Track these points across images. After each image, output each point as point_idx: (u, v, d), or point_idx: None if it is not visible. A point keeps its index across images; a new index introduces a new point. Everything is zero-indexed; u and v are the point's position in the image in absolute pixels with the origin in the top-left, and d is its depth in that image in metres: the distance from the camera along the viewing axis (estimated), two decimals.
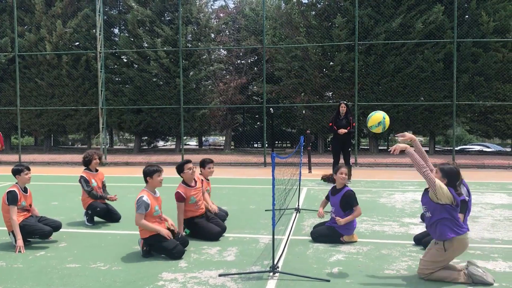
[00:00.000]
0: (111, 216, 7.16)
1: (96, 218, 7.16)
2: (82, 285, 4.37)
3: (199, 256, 5.32)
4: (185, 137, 33.67)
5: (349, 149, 11.43)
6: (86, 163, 7.21)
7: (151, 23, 20.68)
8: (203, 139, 41.02)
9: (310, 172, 13.99)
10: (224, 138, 27.04)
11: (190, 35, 21.08)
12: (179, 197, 5.98)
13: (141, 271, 4.78)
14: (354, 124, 11.55)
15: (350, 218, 5.81)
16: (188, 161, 6.23)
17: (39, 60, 21.67)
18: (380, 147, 23.89)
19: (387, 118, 5.84)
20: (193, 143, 37.67)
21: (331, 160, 12.66)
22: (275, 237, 6.10)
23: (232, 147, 26.19)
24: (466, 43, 17.93)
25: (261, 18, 18.04)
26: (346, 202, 5.87)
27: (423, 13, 18.26)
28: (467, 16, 19.03)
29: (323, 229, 5.96)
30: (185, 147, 28.70)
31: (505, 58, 17.96)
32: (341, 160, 11.37)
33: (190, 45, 20.96)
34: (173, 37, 19.98)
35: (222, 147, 25.79)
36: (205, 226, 6.10)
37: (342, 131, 10.99)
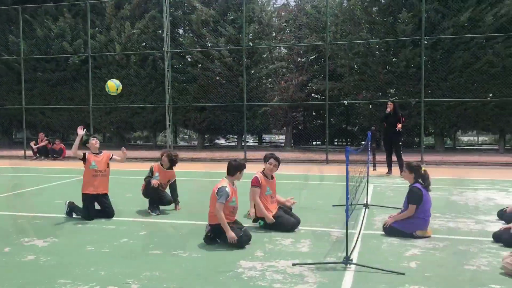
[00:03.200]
0: (162, 201, 7.55)
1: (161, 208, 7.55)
2: (166, 270, 4.62)
3: (273, 246, 5.46)
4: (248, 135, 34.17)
5: (399, 143, 12.08)
6: (160, 159, 7.64)
7: (215, 23, 21.16)
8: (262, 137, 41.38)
9: (374, 169, 13.80)
10: (281, 136, 27.17)
11: (252, 34, 21.38)
12: (255, 181, 6.24)
13: (220, 259, 4.99)
14: (404, 120, 12.25)
15: (399, 217, 5.84)
16: (273, 156, 6.54)
17: (109, 61, 22.75)
18: (446, 146, 23.11)
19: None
20: (250, 141, 38.09)
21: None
22: (348, 231, 6.20)
23: (292, 144, 26.28)
24: None
25: (322, 15, 17.96)
26: (407, 197, 5.88)
27: (493, 6, 17.48)
28: None
29: (394, 225, 5.91)
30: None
31: None
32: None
33: (252, 44, 21.26)
34: (236, 36, 20.34)
35: (282, 145, 25.91)
36: (282, 217, 6.26)
37: (400, 126, 11.77)
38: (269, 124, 23.95)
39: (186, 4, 23.13)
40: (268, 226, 6.25)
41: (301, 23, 24.24)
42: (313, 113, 27.66)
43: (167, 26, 18.11)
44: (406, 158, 16.15)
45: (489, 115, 18.57)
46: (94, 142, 7.19)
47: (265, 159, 6.57)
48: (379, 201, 8.35)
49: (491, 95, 18.40)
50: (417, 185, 5.85)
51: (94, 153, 7.18)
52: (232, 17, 21.93)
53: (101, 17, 23.31)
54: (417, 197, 5.76)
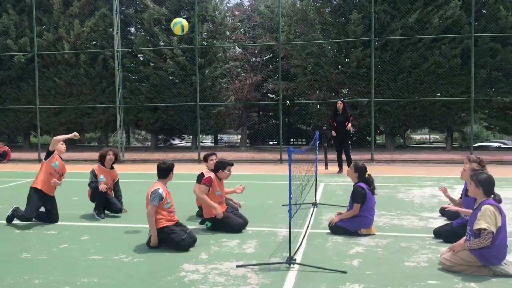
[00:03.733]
0: (111, 207, 7.30)
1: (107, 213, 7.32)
2: (106, 276, 4.46)
3: (219, 248, 5.38)
4: (200, 135, 33.89)
5: (349, 142, 12.48)
6: (101, 159, 7.39)
7: (167, 22, 20.83)
8: (219, 137, 41.20)
9: (326, 168, 13.99)
10: (238, 136, 27.12)
11: (206, 33, 21.19)
12: (209, 181, 6.12)
13: (163, 263, 4.87)
14: (352, 119, 12.64)
15: (344, 216, 5.92)
16: (231, 164, 6.51)
17: (57, 60, 21.99)
18: (396, 144, 23.73)
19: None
20: (207, 141, 37.82)
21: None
22: (294, 230, 6.20)
23: (247, 144, 26.26)
24: (484, 38, 17.71)
25: (276, 16, 18.02)
26: (352, 197, 5.96)
27: (440, 8, 18.07)
28: (484, 11, 18.80)
29: (339, 224, 5.97)
30: (201, 144, 28.87)
31: None
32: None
33: (205, 43, 21.08)
34: (189, 35, 20.10)
35: (237, 145, 25.86)
36: (229, 218, 6.18)
37: (334, 133, 12.32)
38: (224, 124, 23.82)
39: (137, 2, 22.68)
40: (215, 228, 6.17)
41: (255, 23, 24.28)
42: (271, 113, 27.77)
43: (117, 24, 17.66)
44: (358, 156, 16.52)
45: (436, 114, 19.19)
46: (63, 147, 6.94)
47: (222, 166, 6.42)
48: (328, 200, 8.44)
49: (439, 94, 19.05)
50: (361, 184, 5.92)
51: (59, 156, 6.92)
52: (185, 16, 21.67)
53: (48, 14, 22.48)
54: (360, 196, 5.83)
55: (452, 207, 5.98)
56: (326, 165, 14.18)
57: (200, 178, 6.63)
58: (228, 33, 22.85)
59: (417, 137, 48.00)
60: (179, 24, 8.41)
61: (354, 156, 15.94)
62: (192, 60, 19.58)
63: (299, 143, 29.68)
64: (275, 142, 27.66)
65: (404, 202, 8.19)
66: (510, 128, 20.01)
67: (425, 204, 7.97)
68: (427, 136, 46.15)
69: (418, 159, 16.35)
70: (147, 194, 5.46)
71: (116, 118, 17.69)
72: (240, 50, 24.58)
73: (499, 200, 4.30)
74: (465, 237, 4.50)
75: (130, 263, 4.88)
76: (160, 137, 26.20)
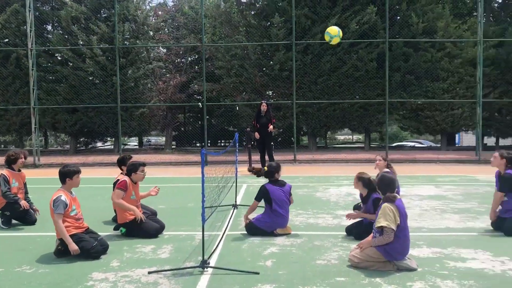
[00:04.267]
0: (26, 219, 6.85)
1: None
2: None
3: (132, 254, 5.23)
4: (125, 137, 32.83)
5: (271, 143, 12.82)
6: (11, 162, 6.89)
7: (86, 20, 20.00)
8: (145, 139, 40.16)
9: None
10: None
11: (128, 33, 20.59)
12: (124, 185, 5.93)
13: (70, 272, 4.64)
14: (274, 120, 12.94)
15: (248, 212, 6.13)
16: (143, 164, 6.31)
17: None
18: (318, 145, 24.45)
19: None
20: (134, 143, 36.81)
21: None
22: (212, 233, 6.18)
23: (173, 146, 25.85)
24: (397, 43, 18.72)
25: (200, 17, 17.91)
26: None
27: (357, 14, 18.85)
28: (398, 17, 19.87)
29: (253, 224, 6.04)
30: (125, 147, 28.03)
31: (433, 58, 18.91)
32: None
33: (127, 43, 20.48)
34: (110, 35, 19.42)
35: (163, 147, 25.36)
36: (145, 223, 6.02)
37: (258, 135, 12.48)
38: (148, 126, 23.27)
39: None
40: (130, 234, 6.00)
41: (179, 23, 23.97)
42: (198, 115, 27.50)
43: (31, 22, 16.67)
44: (281, 157, 16.82)
45: (355, 116, 19.99)
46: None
47: (134, 168, 6.22)
48: (249, 201, 8.40)
49: (357, 97, 19.86)
50: (267, 184, 6.04)
51: None
52: (105, 15, 20.92)
53: None
54: (261, 194, 5.96)
55: (356, 214, 5.96)
56: (250, 166, 14.27)
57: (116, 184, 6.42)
58: (151, 33, 22.35)
59: (341, 137, 49.90)
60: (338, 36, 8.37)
61: (278, 157, 16.26)
62: (113, 60, 18.92)
63: (227, 144, 29.73)
64: (202, 144, 27.49)
65: (321, 201, 8.43)
66: (422, 128, 21.31)
67: (340, 203, 8.25)
68: (350, 136, 48.07)
69: (338, 158, 16.95)
70: (50, 202, 5.19)
71: (31, 120, 16.71)
72: (164, 50, 24.15)
73: (392, 197, 4.54)
74: (372, 235, 4.71)
75: (34, 274, 4.60)
76: (82, 139, 25.09)
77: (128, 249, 5.46)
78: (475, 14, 19.87)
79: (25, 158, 7.02)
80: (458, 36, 18.70)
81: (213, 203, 6.34)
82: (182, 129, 27.93)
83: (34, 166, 16.51)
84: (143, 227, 5.98)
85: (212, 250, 5.24)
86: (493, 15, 22.52)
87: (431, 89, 19.11)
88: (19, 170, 7.01)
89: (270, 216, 5.91)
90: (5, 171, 6.84)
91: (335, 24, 18.35)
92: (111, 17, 19.58)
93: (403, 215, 4.53)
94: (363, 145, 23.16)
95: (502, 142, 24.00)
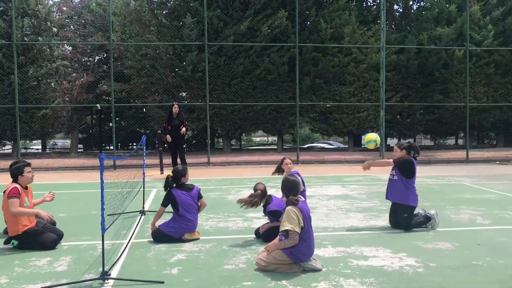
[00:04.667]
0: None
1: None
2: None
3: (24, 269, 4.78)
4: (27, 141, 30.54)
5: (183, 146, 12.53)
6: None
7: None
8: (51, 142, 37.68)
9: (162, 173, 13.70)
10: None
11: (28, 29, 19.17)
12: (15, 192, 5.44)
13: None
14: (186, 123, 12.79)
15: (155, 218, 5.99)
16: (27, 164, 5.80)
17: None
18: (233, 147, 24.51)
19: (378, 139, 6.83)
20: (37, 146, 34.39)
21: (187, 160, 13.06)
22: (116, 242, 5.86)
23: (80, 150, 24.52)
24: (307, 48, 19.26)
25: (108, 14, 17.10)
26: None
27: (269, 18, 19.12)
28: (308, 23, 20.48)
29: (160, 230, 5.84)
30: (27, 151, 26.14)
31: (340, 63, 19.72)
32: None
33: (27, 39, 19.06)
34: (7, 30, 17.94)
35: (68, 151, 23.94)
36: (38, 234, 5.54)
37: (169, 138, 12.22)
38: (52, 128, 21.84)
39: None
40: (23, 246, 5.49)
41: (86, 20, 22.80)
42: (110, 116, 26.27)
43: None
44: (195, 160, 16.61)
45: (268, 118, 20.25)
46: None
47: (18, 171, 5.69)
48: (158, 207, 8.17)
49: (270, 99, 20.12)
50: (173, 189, 5.88)
51: None
52: (1, 8, 19.31)
53: None
54: (167, 200, 5.80)
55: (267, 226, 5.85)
56: (161, 169, 13.90)
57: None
58: (55, 30, 20.97)
59: (257, 138, 50.57)
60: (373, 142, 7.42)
61: (191, 160, 16.03)
62: (10, 57, 17.48)
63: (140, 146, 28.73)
64: (112, 147, 26.36)
65: (232, 204, 8.34)
66: (330, 130, 22.17)
67: None
68: (266, 138, 48.83)
69: (251, 160, 17.06)
70: None
71: None
72: (70, 48, 22.81)
73: (295, 201, 4.58)
74: (278, 237, 4.70)
75: None
76: None
77: (20, 263, 4.99)
78: (378, 21, 21.02)
79: None
80: (363, 42, 19.67)
81: (116, 210, 6.01)
82: (91, 131, 26.58)
83: None
84: (38, 238, 5.51)
85: (115, 260, 4.94)
86: (394, 23, 24.00)
87: (338, 93, 19.90)
88: None
89: (177, 221, 5.72)
90: None
91: (248, 27, 18.53)
92: (8, 11, 18.12)
93: (306, 218, 4.57)
94: (276, 147, 23.58)
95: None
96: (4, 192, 5.82)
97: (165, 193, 5.94)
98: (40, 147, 29.36)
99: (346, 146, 24.27)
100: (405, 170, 6.13)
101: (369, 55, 19.68)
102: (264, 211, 5.81)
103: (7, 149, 26.03)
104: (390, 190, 6.37)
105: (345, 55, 19.83)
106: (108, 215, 6.84)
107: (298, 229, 4.43)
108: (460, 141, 28.00)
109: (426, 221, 6.19)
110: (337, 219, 7.02)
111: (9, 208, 5.44)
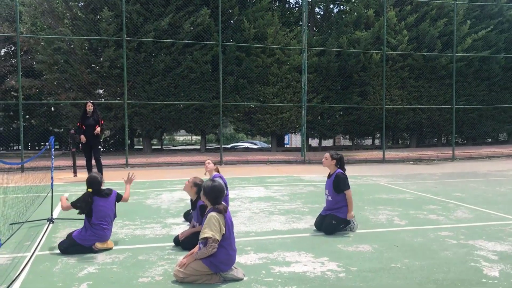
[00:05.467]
0: None
1: None
2: None
3: None
4: None
5: (99, 147, 11.83)
6: None
7: None
8: None
9: (75, 175, 12.86)
10: None
11: None
12: None
13: None
14: (102, 122, 12.00)
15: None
16: None
17: None
18: (154, 147, 23.74)
19: None
20: None
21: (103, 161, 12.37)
22: (17, 255, 5.25)
23: None
24: (231, 47, 19.06)
25: (15, 3, 15.75)
26: None
27: (191, 15, 18.68)
28: (232, 21, 20.28)
29: (71, 240, 5.35)
30: None
31: (264, 63, 19.75)
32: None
33: None
34: None
35: None
36: None
37: (83, 138, 11.44)
38: None
39: None
40: None
41: None
42: (11, 113, 24.34)
43: None
44: (112, 161, 15.82)
45: (191, 118, 19.79)
46: None
47: None
48: (69, 213, 7.54)
49: (193, 99, 19.69)
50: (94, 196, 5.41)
51: None
52: None
53: None
54: (82, 203, 5.34)
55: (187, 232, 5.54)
56: (74, 172, 13.03)
57: None
58: None
59: (180, 138, 49.59)
60: None
61: (108, 162, 15.23)
62: None
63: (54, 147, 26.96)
64: (19, 147, 24.47)
65: (151, 209, 7.94)
66: (254, 130, 22.17)
67: (171, 209, 7.87)
68: (190, 137, 48.02)
69: (173, 162, 16.57)
70: None
71: None
72: None
73: (223, 209, 4.33)
74: (197, 246, 4.42)
75: None
76: None
77: None
78: (300, 23, 21.31)
79: None
80: (286, 44, 19.84)
81: (20, 218, 5.40)
82: None
83: None
84: None
85: (14, 277, 4.39)
86: (316, 26, 24.51)
87: (262, 93, 19.92)
88: None
89: (89, 229, 5.25)
90: None
91: (169, 24, 17.96)
92: None
93: (229, 225, 4.33)
94: (200, 147, 23.18)
95: (324, 143, 26.34)
96: None
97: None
98: None
99: (270, 146, 24.43)
100: (339, 185, 6.12)
101: (291, 56, 19.88)
102: (193, 206, 5.49)
103: None
104: (324, 210, 6.37)
105: (268, 56, 19.89)
106: (10, 224, 6.22)
107: (218, 237, 4.18)
108: (377, 141, 29.27)
109: (345, 225, 6.21)
110: (260, 222, 6.86)
111: None
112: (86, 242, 5.24)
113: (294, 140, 36.12)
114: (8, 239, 4.83)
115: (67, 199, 5.63)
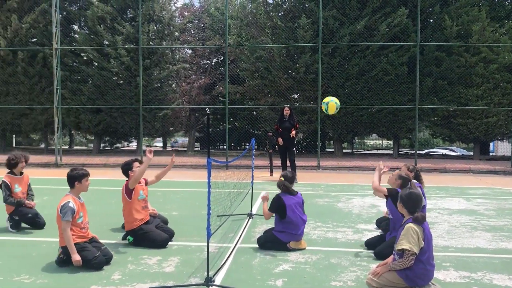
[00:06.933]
0: (36, 222, 6.63)
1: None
2: None
3: (136, 267, 4.89)
4: (150, 138, 32.83)
5: (293, 149, 12.32)
6: (11, 166, 6.65)
7: (112, 20, 19.97)
8: (173, 140, 40.23)
9: (271, 175, 13.69)
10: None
11: (153, 33, 20.49)
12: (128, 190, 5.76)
13: (69, 284, 4.35)
14: (297, 126, 12.47)
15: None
16: (136, 160, 6.14)
17: None
18: (344, 150, 23.83)
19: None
20: (160, 144, 36.85)
21: (296, 163, 12.89)
22: (222, 245, 5.80)
23: (197, 148, 25.65)
24: (429, 47, 17.96)
25: (225, 18, 17.60)
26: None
27: (387, 16, 18.19)
28: (431, 20, 19.08)
29: (267, 235, 5.68)
30: (150, 148, 27.96)
31: (467, 63, 18.06)
32: None
33: (152, 43, 20.36)
34: (135, 35, 19.34)
35: (185, 149, 25.20)
36: (152, 232, 5.71)
37: (280, 141, 11.95)
38: (173, 127, 23.12)
39: None
40: (137, 243, 5.70)
41: (205, 24, 23.76)
42: (219, 116, 27.25)
43: (56, 21, 16.73)
44: (305, 163, 16.37)
45: (383, 121, 19.28)
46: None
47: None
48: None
49: (387, 102, 19.16)
50: (282, 194, 5.63)
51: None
52: (131, 15, 20.86)
53: None
54: (275, 205, 5.56)
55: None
56: (271, 171, 13.88)
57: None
58: (177, 34, 22.20)
59: (370, 142, 48.86)
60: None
61: (301, 163, 15.82)
62: (137, 60, 18.79)
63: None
64: (225, 146, 27.21)
65: (342, 213, 7.94)
66: (454, 136, 20.40)
67: (363, 215, 7.74)
68: (380, 141, 46.93)
69: (364, 166, 16.35)
70: (57, 208, 4.92)
71: (54, 120, 16.75)
72: (190, 52, 23.99)
73: (422, 219, 4.05)
74: (392, 257, 4.24)
75: (32, 285, 4.33)
76: (107, 139, 25.16)
77: (133, 260, 5.13)
78: None
79: (26, 161, 6.79)
80: (494, 40, 17.79)
81: (225, 211, 5.97)
82: (206, 131, 27.73)
83: (56, 165, 16.53)
84: (150, 237, 5.66)
85: (220, 265, 4.86)
86: None
87: (464, 96, 18.25)
88: (21, 174, 6.78)
89: (281, 227, 5.51)
90: (6, 177, 6.62)
91: (365, 27, 17.82)
92: (136, 17, 19.51)
93: (428, 238, 4.04)
94: (392, 152, 22.42)
95: None
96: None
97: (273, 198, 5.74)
98: (161, 144, 31.36)
99: (471, 153, 22.27)
100: None
101: (501, 54, 17.73)
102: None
103: (132, 146, 28.18)
104: None
105: (473, 55, 18.09)
106: (217, 216, 6.92)
107: (416, 250, 3.93)
108: None
109: None
110: (461, 237, 6.26)
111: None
112: (282, 237, 5.48)
113: (501, 147, 32.17)
114: (216, 229, 5.35)
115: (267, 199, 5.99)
